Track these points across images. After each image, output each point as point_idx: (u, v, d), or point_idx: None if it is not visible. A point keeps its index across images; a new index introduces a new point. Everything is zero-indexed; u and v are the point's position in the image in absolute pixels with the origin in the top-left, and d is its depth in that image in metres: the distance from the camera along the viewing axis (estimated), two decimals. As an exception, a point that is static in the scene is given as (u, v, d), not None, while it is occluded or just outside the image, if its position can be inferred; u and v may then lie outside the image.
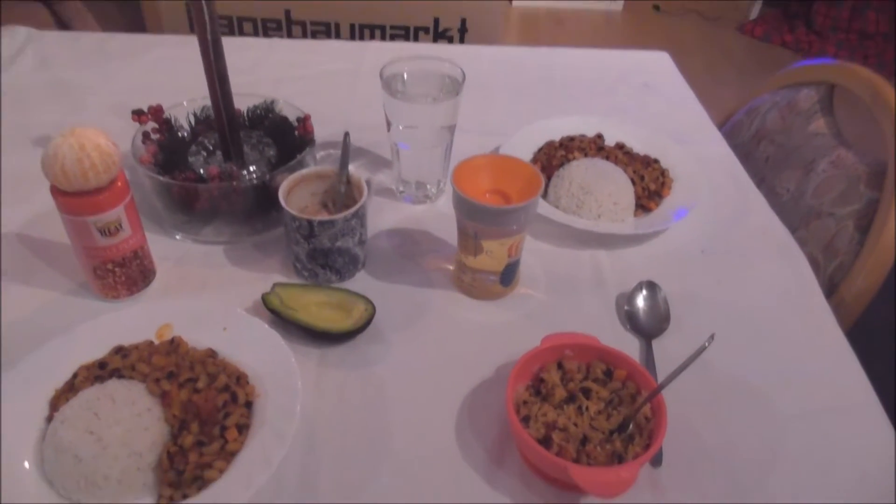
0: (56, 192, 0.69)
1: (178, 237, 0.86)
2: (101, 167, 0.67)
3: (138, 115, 0.88)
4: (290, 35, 1.66)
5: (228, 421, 0.62)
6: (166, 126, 0.89)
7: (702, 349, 0.58)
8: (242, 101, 0.94)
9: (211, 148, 0.90)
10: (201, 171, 0.84)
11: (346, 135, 0.87)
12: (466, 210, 0.73)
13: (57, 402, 0.63)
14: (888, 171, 0.88)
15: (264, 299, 0.75)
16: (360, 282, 0.82)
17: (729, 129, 1.22)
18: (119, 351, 0.68)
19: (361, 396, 0.69)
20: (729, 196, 0.98)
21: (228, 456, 0.61)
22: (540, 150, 0.99)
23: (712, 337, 0.58)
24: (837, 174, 0.96)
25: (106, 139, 0.69)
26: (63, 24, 1.62)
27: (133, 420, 0.60)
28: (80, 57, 1.23)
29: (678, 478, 0.63)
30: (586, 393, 0.64)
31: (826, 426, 0.68)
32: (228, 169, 0.84)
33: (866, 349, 0.78)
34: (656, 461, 0.64)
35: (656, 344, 0.75)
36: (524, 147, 1.00)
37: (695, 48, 3.44)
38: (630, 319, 0.77)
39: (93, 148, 0.67)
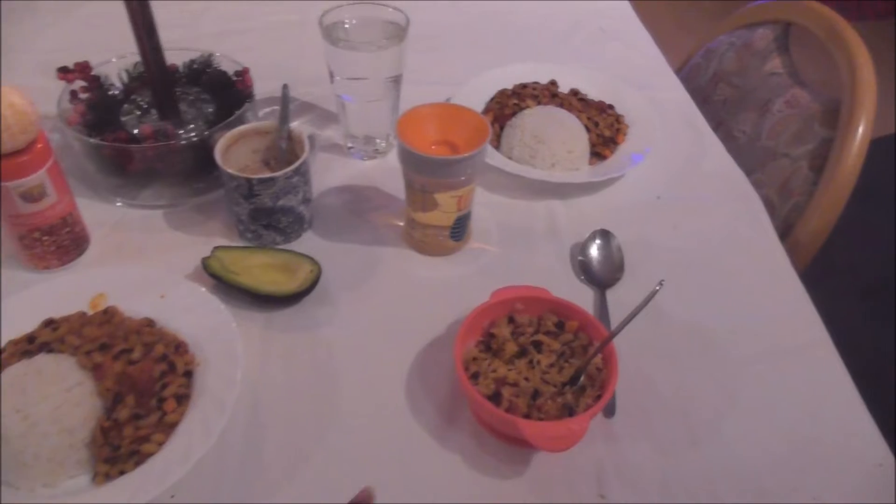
0: (-30, 157, 0.64)
1: (119, 203, 0.82)
2: (17, 128, 0.63)
3: (64, 72, 0.83)
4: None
5: (166, 392, 0.60)
6: (95, 84, 0.84)
7: (652, 295, 0.57)
8: (179, 57, 0.89)
9: (145, 106, 0.86)
10: (134, 131, 0.79)
11: (285, 87, 0.82)
12: (412, 163, 0.70)
13: (-17, 379, 0.60)
14: (842, 109, 0.87)
15: (204, 264, 0.71)
16: (307, 242, 0.79)
17: (687, 72, 1.20)
18: (49, 324, 0.65)
19: (309, 360, 0.67)
20: (685, 141, 0.96)
21: (167, 428, 0.58)
22: (492, 99, 0.96)
23: (662, 282, 0.57)
24: (792, 114, 0.95)
25: (21, 97, 0.64)
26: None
27: (62, 395, 0.57)
28: (7, 13, 1.16)
29: (632, 427, 0.62)
30: (537, 346, 0.62)
31: (780, 368, 0.68)
32: (163, 128, 0.80)
33: (822, 288, 0.78)
34: (609, 411, 0.63)
35: (610, 294, 0.74)
36: (476, 97, 0.96)
37: (659, -5, 3.38)
38: (584, 270, 0.76)
39: (6, 107, 0.62)
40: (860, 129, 0.83)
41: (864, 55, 0.87)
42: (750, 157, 0.96)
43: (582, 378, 0.59)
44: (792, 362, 0.68)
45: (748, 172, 0.89)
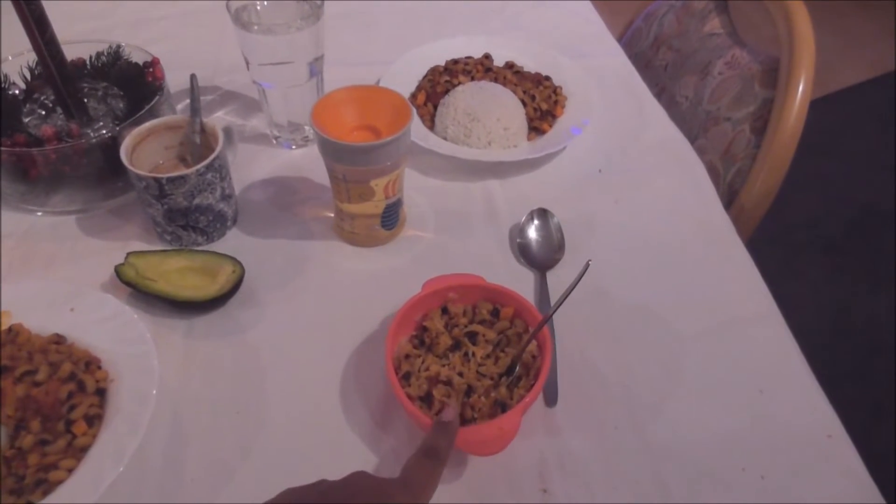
0: None
1: (35, 211, 0.77)
2: None
3: (-43, 74, 0.77)
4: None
5: (75, 413, 0.55)
6: (-8, 84, 0.78)
7: (580, 276, 0.54)
8: (87, 50, 0.83)
9: (50, 105, 0.80)
10: (35, 132, 0.74)
11: (193, 76, 0.77)
12: (331, 151, 0.66)
13: None
14: (780, 68, 0.84)
15: (118, 271, 0.67)
16: (232, 240, 0.75)
17: (629, 37, 1.16)
18: (-54, 348, 0.60)
19: (234, 367, 0.63)
20: (626, 110, 0.93)
21: (78, 452, 0.54)
22: (424, 77, 0.92)
23: (589, 262, 0.54)
24: (732, 76, 0.92)
25: None
26: None
27: (-43, 426, 0.53)
28: None
29: (574, 415, 0.60)
30: (472, 338, 0.59)
31: (725, 343, 0.65)
32: (66, 127, 0.74)
33: (768, 256, 0.76)
34: (551, 400, 0.60)
35: (551, 276, 0.71)
36: (407, 76, 0.92)
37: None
38: (523, 252, 0.73)
39: None
40: (800, 88, 0.80)
41: (801, 10, 0.84)
42: (693, 122, 0.94)
43: (518, 367, 0.56)
44: (738, 337, 0.66)
45: (692, 139, 0.86)
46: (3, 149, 0.71)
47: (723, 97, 0.92)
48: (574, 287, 0.53)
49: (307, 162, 0.84)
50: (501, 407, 0.54)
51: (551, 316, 0.55)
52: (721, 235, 0.76)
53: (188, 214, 0.70)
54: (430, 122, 0.87)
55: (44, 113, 0.79)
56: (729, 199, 0.86)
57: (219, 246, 0.73)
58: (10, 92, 0.79)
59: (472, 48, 0.96)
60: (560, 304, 0.54)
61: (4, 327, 0.62)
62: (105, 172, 0.76)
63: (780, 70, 0.84)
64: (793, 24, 0.83)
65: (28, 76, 0.82)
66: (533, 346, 0.58)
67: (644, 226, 0.77)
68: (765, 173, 0.81)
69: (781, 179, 0.82)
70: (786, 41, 0.83)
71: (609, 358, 0.64)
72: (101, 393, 0.58)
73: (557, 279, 0.71)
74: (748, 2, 0.94)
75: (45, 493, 0.52)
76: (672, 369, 0.63)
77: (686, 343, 0.65)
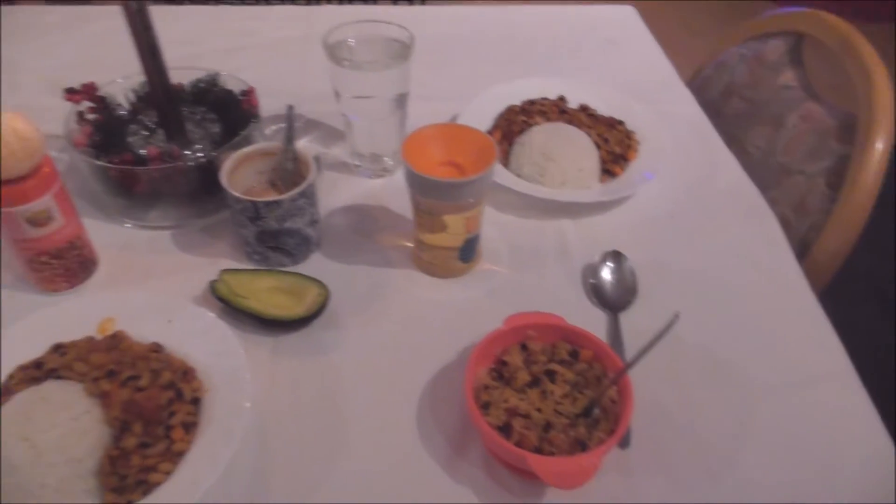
0: (-24, 182, 0.64)
1: (127, 224, 0.81)
2: (22, 154, 0.62)
3: (71, 93, 0.82)
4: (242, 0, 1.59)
5: (173, 420, 0.59)
6: (101, 105, 0.84)
7: (666, 329, 0.55)
8: (185, 76, 0.89)
9: (152, 126, 0.85)
10: (141, 152, 0.79)
11: (290, 108, 0.82)
12: (419, 185, 0.69)
13: (-10, 406, 0.60)
14: (859, 125, 0.85)
15: (212, 287, 0.71)
16: (315, 263, 0.78)
17: (699, 85, 1.18)
18: (57, 349, 0.64)
19: (317, 386, 0.66)
20: (698, 156, 0.95)
21: (175, 457, 0.57)
22: (500, 115, 0.95)
23: (677, 316, 0.55)
24: (807, 129, 0.93)
25: (25, 123, 0.64)
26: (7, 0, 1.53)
27: (70, 424, 0.56)
28: (15, 31, 1.16)
29: (647, 458, 0.61)
30: (551, 376, 0.61)
31: (799, 398, 0.66)
32: (169, 149, 0.79)
33: (840, 311, 0.76)
34: (624, 442, 0.61)
35: (623, 318, 0.73)
36: (484, 113, 0.95)
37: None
38: (596, 293, 0.75)
39: (10, 133, 0.62)
40: (878, 146, 0.81)
41: (880, 69, 0.85)
42: (764, 173, 0.95)
43: (596, 410, 0.58)
44: (812, 392, 0.66)
45: (763, 189, 0.87)
46: (112, 165, 0.75)
47: (797, 150, 0.93)
48: (659, 339, 0.55)
49: (386, 192, 0.88)
50: (581, 446, 0.55)
51: (632, 365, 0.57)
52: (794, 289, 0.77)
53: (278, 237, 0.74)
54: (505, 160, 0.90)
55: (146, 133, 0.84)
56: (801, 253, 0.86)
57: (303, 268, 0.77)
58: (117, 113, 0.84)
59: (546, 89, 0.99)
60: (643, 355, 0.56)
61: (109, 333, 0.66)
62: (199, 192, 0.80)
63: (857, 128, 0.85)
64: (871, 82, 0.84)
65: (132, 98, 0.87)
66: (612, 390, 0.59)
67: (716, 273, 0.78)
68: (840, 229, 0.82)
69: (857, 236, 0.82)
70: (864, 100, 0.84)
71: (681, 403, 0.65)
72: (196, 402, 0.61)
73: (629, 321, 0.72)
74: (823, 56, 0.95)
75: (145, 494, 0.55)
76: (744, 420, 0.64)
77: (758, 395, 0.66)
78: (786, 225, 0.84)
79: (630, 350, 0.69)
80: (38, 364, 0.62)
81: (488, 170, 0.67)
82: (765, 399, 0.66)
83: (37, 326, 0.66)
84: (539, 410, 0.59)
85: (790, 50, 1.02)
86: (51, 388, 0.59)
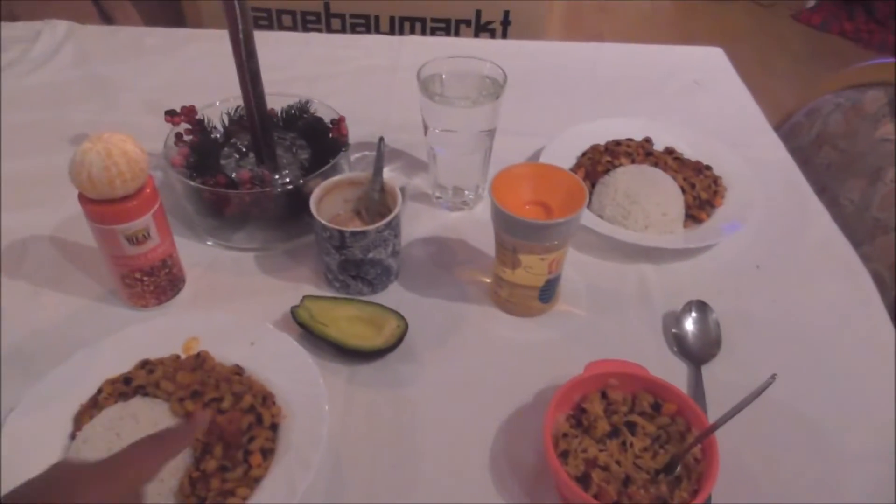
0: (83, 199, 0.67)
1: (209, 242, 0.84)
2: (129, 175, 0.65)
3: (171, 115, 0.86)
4: (328, 28, 1.63)
5: (253, 445, 0.60)
6: (199, 127, 0.87)
7: (761, 390, 0.53)
8: (277, 101, 0.91)
9: (244, 150, 0.88)
10: (233, 175, 0.81)
11: (381, 140, 0.83)
12: (504, 223, 0.69)
13: (81, 418, 0.62)
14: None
15: (294, 313, 0.72)
16: (393, 294, 0.79)
17: (787, 130, 1.15)
18: (145, 365, 0.66)
19: (392, 419, 0.66)
20: (787, 206, 0.92)
21: (252, 482, 0.58)
22: (584, 154, 0.94)
23: (773, 377, 0.53)
24: (908, 185, 0.89)
25: (134, 145, 0.66)
26: (107, 20, 1.61)
27: (155, 442, 0.58)
28: (117, 52, 1.22)
29: (728, 522, 0.58)
30: (631, 427, 0.59)
31: (889, 471, 0.62)
32: (260, 173, 0.81)
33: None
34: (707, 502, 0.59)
35: (706, 370, 0.70)
36: (567, 151, 0.95)
37: (748, 37, 3.31)
38: (678, 343, 0.73)
39: (120, 155, 0.64)
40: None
41: None
42: (858, 228, 0.91)
43: (678, 468, 0.56)
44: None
45: (855, 245, 0.84)
46: (206, 188, 0.78)
47: (894, 206, 0.89)
48: (751, 400, 0.53)
49: (465, 225, 0.88)
50: (664, 504, 0.54)
51: (722, 424, 0.55)
52: (887, 352, 0.73)
53: (361, 266, 0.74)
54: (588, 200, 0.88)
55: (238, 157, 0.87)
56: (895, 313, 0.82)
57: (381, 298, 0.77)
58: (212, 136, 0.87)
59: (631, 129, 0.98)
60: (732, 416, 0.54)
61: (193, 352, 0.68)
62: (285, 216, 0.82)
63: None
64: (980, 139, 0.80)
65: (226, 121, 0.90)
66: (695, 448, 0.57)
67: (804, 330, 0.75)
68: (940, 291, 0.78)
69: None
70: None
71: (765, 466, 0.63)
72: (274, 427, 0.62)
73: (712, 374, 0.70)
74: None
75: (222, 517, 0.56)
76: (833, 490, 0.61)
77: (849, 465, 0.63)
78: (879, 283, 0.81)
79: (712, 404, 0.66)
80: (126, 380, 0.64)
81: (577, 213, 0.67)
82: (856, 470, 0.63)
83: (126, 342, 0.68)
84: (618, 463, 0.57)
85: (890, 101, 0.98)
86: (139, 406, 0.61)
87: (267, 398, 0.64)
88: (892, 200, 0.90)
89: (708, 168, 0.92)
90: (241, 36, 0.74)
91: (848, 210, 0.95)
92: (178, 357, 0.67)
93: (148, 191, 0.69)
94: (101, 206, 0.66)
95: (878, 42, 3.16)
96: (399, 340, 0.70)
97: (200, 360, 0.67)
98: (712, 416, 0.64)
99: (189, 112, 0.86)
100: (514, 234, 0.69)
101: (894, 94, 0.98)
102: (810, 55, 3.17)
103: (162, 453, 0.47)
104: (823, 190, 0.98)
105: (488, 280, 0.79)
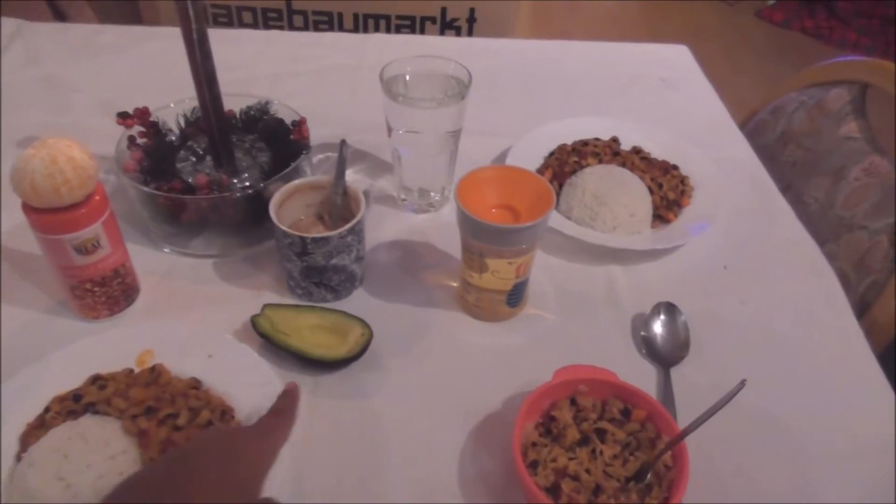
0: (27, 208, 0.64)
1: (166, 250, 0.81)
2: (76, 182, 0.62)
3: (123, 118, 0.82)
4: (291, 25, 1.60)
5: (210, 462, 0.57)
6: (153, 130, 0.84)
7: (731, 396, 0.52)
8: (236, 102, 0.88)
9: (201, 153, 0.85)
10: (189, 179, 0.78)
11: (343, 143, 0.81)
12: (471, 228, 0.67)
13: (27, 438, 0.59)
14: (928, 183, 0.82)
15: (254, 322, 0.69)
16: (358, 300, 0.77)
17: (752, 128, 1.15)
18: (96, 381, 0.63)
19: (356, 430, 0.64)
20: (753, 205, 0.92)
21: (210, 501, 0.56)
22: (551, 154, 0.93)
23: (743, 382, 0.52)
24: (871, 183, 0.90)
25: (81, 151, 0.63)
26: (60, 17, 1.56)
27: (106, 464, 0.55)
28: (69, 51, 1.17)
29: (699, 529, 0.58)
30: (601, 435, 0.58)
31: (859, 470, 0.63)
32: (218, 178, 0.78)
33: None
34: (676, 508, 0.58)
35: (675, 373, 0.70)
36: (534, 151, 0.94)
37: (713, 35, 3.34)
38: (647, 345, 0.72)
39: (66, 161, 0.61)
40: (947, 205, 0.78)
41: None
42: (822, 226, 0.92)
43: (649, 476, 0.55)
44: (872, 464, 0.63)
45: (820, 243, 0.84)
46: (161, 193, 0.75)
47: (859, 204, 0.90)
48: (722, 406, 0.52)
49: (431, 228, 0.86)
50: (635, 515, 0.53)
51: (692, 430, 0.54)
52: (855, 351, 0.74)
53: (324, 273, 0.72)
54: (555, 202, 0.87)
55: (194, 160, 0.84)
56: (860, 311, 0.83)
57: (345, 304, 0.75)
58: (168, 138, 0.84)
59: (599, 129, 0.97)
60: (702, 422, 0.53)
61: (148, 365, 0.65)
62: (245, 222, 0.79)
63: (925, 184, 0.82)
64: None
65: (183, 123, 0.87)
66: (666, 455, 0.56)
67: (771, 330, 0.75)
68: (904, 290, 0.79)
69: (922, 298, 0.79)
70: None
71: (734, 465, 0.62)
72: (233, 443, 0.60)
73: (682, 377, 0.69)
74: (889, 108, 0.92)
75: (178, 539, 0.54)
76: (803, 491, 0.61)
77: (818, 465, 0.63)
78: (844, 281, 0.81)
79: (682, 407, 0.66)
80: (76, 396, 0.61)
81: (545, 216, 0.65)
82: (824, 470, 0.63)
83: (76, 356, 0.65)
84: (588, 472, 0.56)
85: (854, 100, 0.98)
86: (88, 425, 0.58)
87: (226, 413, 0.62)
88: (856, 199, 0.91)
89: (675, 168, 0.91)
90: (195, 36, 0.71)
91: (812, 208, 0.96)
92: (131, 371, 0.65)
93: (97, 198, 0.66)
94: (47, 214, 0.63)
95: (839, 39, 3.22)
96: (364, 349, 0.68)
97: (155, 375, 0.64)
98: (682, 419, 0.64)
99: (142, 114, 0.82)
100: (481, 239, 0.67)
101: (857, 93, 0.99)
102: (774, 52, 3.21)
103: (285, 427, 0.55)
104: (788, 188, 0.98)
105: (455, 284, 0.78)
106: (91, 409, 0.60)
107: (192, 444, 0.49)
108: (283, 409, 0.56)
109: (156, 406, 0.60)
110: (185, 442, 0.57)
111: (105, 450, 0.56)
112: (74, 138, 0.64)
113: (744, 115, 1.23)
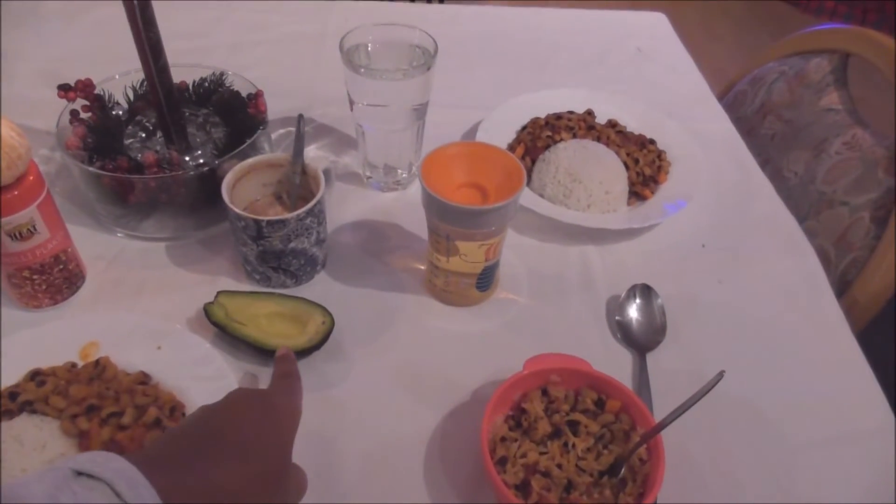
0: (-48, 191, 0.58)
1: (119, 234, 0.76)
2: (4, 163, 0.57)
3: (65, 90, 0.77)
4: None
5: (158, 464, 0.53)
6: (98, 104, 0.78)
7: (709, 387, 0.50)
8: (190, 74, 0.83)
9: (150, 128, 0.80)
10: (138, 157, 0.73)
11: (300, 118, 0.76)
12: (437, 210, 0.63)
13: (-42, 441, 0.54)
14: (910, 157, 0.79)
15: (207, 311, 0.65)
16: (320, 285, 0.73)
17: (731, 100, 1.12)
18: (35, 376, 0.59)
19: (316, 424, 0.60)
20: (731, 180, 0.89)
21: None
22: (524, 128, 0.89)
23: (721, 374, 0.50)
24: (852, 157, 0.87)
25: (9, 128, 0.58)
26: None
27: (42, 468, 0.51)
28: (11, 18, 1.10)
29: (675, 522, 0.55)
30: (573, 427, 0.55)
31: (839, 455, 0.61)
32: (168, 155, 0.73)
33: (880, 353, 0.71)
34: (651, 502, 0.56)
35: (651, 358, 0.67)
36: (506, 125, 0.89)
37: (690, 1, 3.29)
38: (622, 330, 0.69)
39: (-8, 140, 0.56)
40: (930, 180, 0.75)
41: (934, 96, 0.79)
42: (802, 201, 0.89)
43: (623, 470, 0.53)
44: (852, 449, 0.61)
45: (800, 219, 0.82)
46: (105, 173, 0.70)
47: (840, 179, 0.87)
48: (700, 398, 0.49)
49: (398, 207, 0.82)
50: (608, 513, 0.50)
51: (668, 423, 0.51)
52: (833, 331, 0.71)
53: (281, 257, 0.68)
54: (527, 178, 0.84)
55: (144, 136, 0.79)
56: (840, 289, 0.81)
57: (307, 290, 0.71)
58: (114, 112, 0.79)
59: (573, 101, 0.93)
60: (679, 415, 0.50)
61: (92, 358, 0.61)
62: (198, 202, 0.75)
63: (908, 158, 0.79)
64: (925, 109, 0.78)
65: (131, 96, 0.81)
66: (641, 449, 0.54)
67: (750, 311, 0.73)
68: (884, 268, 0.76)
69: (903, 277, 0.76)
70: (918, 128, 0.78)
71: (711, 456, 0.60)
72: (184, 442, 0.56)
73: (658, 363, 0.67)
74: (871, 78, 0.89)
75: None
76: (780, 477, 0.59)
77: (796, 451, 0.61)
78: (824, 259, 0.79)
79: (657, 394, 0.63)
80: (12, 394, 0.57)
81: (515, 196, 0.62)
82: (803, 456, 0.61)
83: (14, 349, 0.60)
84: (560, 467, 0.53)
85: (835, 70, 0.95)
86: (24, 426, 0.54)
87: (176, 409, 0.58)
88: (837, 174, 0.88)
89: (652, 142, 0.88)
90: (135, 2, 0.65)
91: (792, 182, 0.93)
92: (74, 365, 0.60)
93: (31, 178, 0.60)
94: (-26, 198, 0.58)
95: (815, 7, 3.19)
96: (325, 338, 0.64)
97: (100, 369, 0.60)
98: (657, 407, 0.62)
99: (85, 86, 0.77)
100: (448, 221, 0.64)
101: (838, 62, 0.96)
102: (752, 20, 3.18)
103: (299, 388, 0.53)
104: (768, 161, 0.95)
105: (423, 267, 0.74)
106: (28, 407, 0.56)
107: (229, 400, 0.46)
108: (289, 371, 0.54)
109: (98, 404, 0.56)
110: (129, 443, 0.53)
111: (41, 453, 0.52)
112: (6, 115, 0.59)
113: (722, 85, 1.19)
